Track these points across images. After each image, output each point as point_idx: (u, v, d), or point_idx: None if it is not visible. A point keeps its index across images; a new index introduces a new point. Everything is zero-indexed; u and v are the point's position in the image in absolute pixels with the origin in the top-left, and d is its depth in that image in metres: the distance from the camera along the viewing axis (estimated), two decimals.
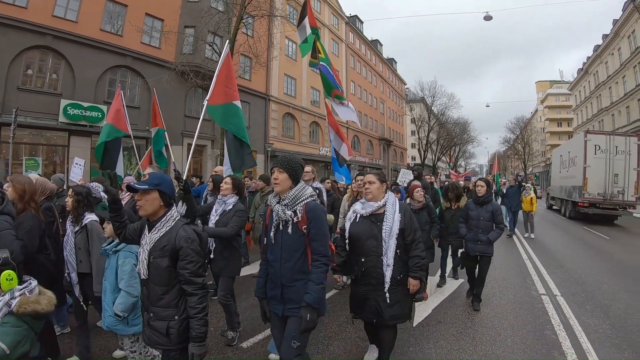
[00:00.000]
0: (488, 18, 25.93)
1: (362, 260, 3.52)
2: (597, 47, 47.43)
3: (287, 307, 2.84)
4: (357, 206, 3.71)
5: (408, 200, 6.41)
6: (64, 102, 15.92)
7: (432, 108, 56.18)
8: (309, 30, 7.45)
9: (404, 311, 3.57)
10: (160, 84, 16.93)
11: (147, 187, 2.56)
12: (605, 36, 44.28)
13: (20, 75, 15.21)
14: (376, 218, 3.55)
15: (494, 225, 5.90)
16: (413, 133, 63.47)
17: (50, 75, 16.18)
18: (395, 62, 62.91)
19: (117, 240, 3.40)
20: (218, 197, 4.78)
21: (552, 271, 8.29)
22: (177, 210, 2.81)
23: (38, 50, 15.70)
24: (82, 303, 3.94)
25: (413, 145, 67.27)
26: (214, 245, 4.59)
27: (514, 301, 6.34)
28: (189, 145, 21.20)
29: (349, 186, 7.14)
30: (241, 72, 22.00)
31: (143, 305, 2.71)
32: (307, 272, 2.83)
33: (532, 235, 12.92)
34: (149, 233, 2.61)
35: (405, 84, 66.68)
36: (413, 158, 70.44)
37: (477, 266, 6.01)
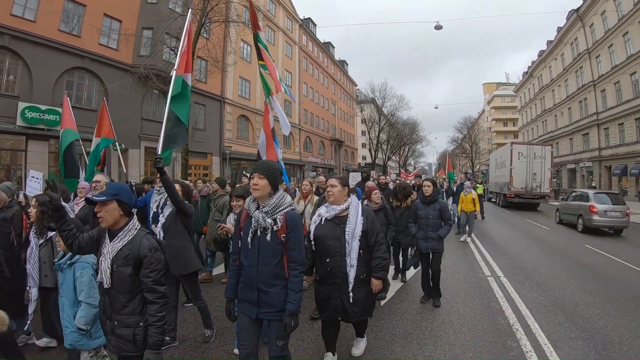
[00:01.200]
0: (438, 27, 27.57)
1: (327, 260, 3.69)
2: (541, 52, 51.14)
3: (262, 311, 2.93)
4: (322, 210, 3.89)
5: (365, 202, 6.62)
6: (21, 105, 15.54)
7: (383, 109, 57.94)
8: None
9: (366, 308, 3.84)
10: (118, 87, 16.93)
11: (105, 198, 2.56)
12: (549, 42, 47.80)
13: None
14: (339, 220, 3.75)
15: (443, 222, 6.12)
16: (363, 133, 65.20)
17: (7, 76, 15.72)
18: (347, 64, 64.46)
19: (70, 253, 3.35)
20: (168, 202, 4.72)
21: (496, 257, 9.52)
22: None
23: None
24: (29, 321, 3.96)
25: (364, 145, 68.96)
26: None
27: (464, 282, 7.43)
28: (146, 148, 21.38)
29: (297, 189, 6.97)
30: (198, 75, 22.17)
31: (105, 314, 2.69)
32: (284, 278, 2.93)
33: (468, 239, 11.89)
34: (110, 242, 2.60)
35: (356, 86, 68.43)
36: (364, 158, 72.13)
37: (430, 262, 6.19)
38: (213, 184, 8.09)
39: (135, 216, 2.73)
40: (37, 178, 7.34)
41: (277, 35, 37.42)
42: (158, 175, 4.47)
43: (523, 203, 23.27)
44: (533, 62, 54.67)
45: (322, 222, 3.80)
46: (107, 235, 2.65)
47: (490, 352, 4.43)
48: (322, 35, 52.76)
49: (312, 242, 3.77)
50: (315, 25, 49.70)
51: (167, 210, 4.62)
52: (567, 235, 14.03)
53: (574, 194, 17.32)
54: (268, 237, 2.89)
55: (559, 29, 43.81)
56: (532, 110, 55.79)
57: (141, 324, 2.53)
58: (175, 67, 4.84)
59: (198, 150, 24.46)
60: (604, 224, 13.95)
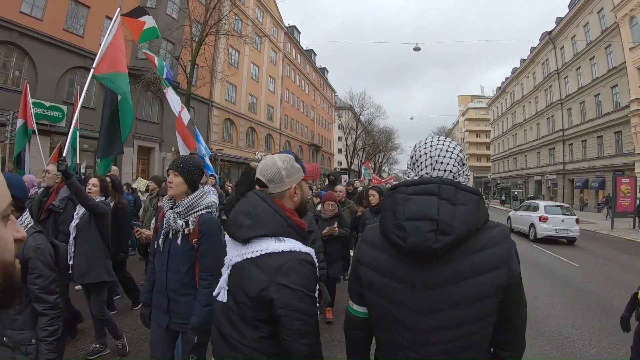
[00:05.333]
0: (417, 49, 29.02)
1: None
2: (515, 69, 54.19)
3: (174, 321, 2.61)
4: None
5: (319, 207, 5.99)
6: None
7: (360, 117, 59.43)
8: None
9: None
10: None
11: None
12: (522, 60, 50.78)
13: None
14: None
15: None
16: (340, 139, 66.34)
17: (13, 72, 16.25)
18: (327, 72, 65.87)
19: None
20: None
21: None
22: None
23: (3, 46, 15.85)
24: None
25: (340, 151, 70.13)
26: (73, 248, 4.18)
27: None
28: (139, 147, 22.16)
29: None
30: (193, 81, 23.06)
31: None
32: (195, 288, 2.58)
33: None
34: None
35: (335, 92, 69.81)
36: (339, 163, 73.13)
37: None
38: (150, 183, 7.33)
39: (27, 211, 2.43)
40: None
41: (263, 42, 38.47)
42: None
43: None
44: (507, 78, 57.51)
45: None
46: None
47: None
48: (305, 42, 54.06)
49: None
50: (299, 32, 51.03)
51: (81, 209, 4.22)
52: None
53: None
54: (179, 241, 2.58)
55: (532, 49, 46.61)
56: (504, 123, 58.75)
57: (33, 340, 2.23)
58: (94, 64, 4.57)
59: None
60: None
